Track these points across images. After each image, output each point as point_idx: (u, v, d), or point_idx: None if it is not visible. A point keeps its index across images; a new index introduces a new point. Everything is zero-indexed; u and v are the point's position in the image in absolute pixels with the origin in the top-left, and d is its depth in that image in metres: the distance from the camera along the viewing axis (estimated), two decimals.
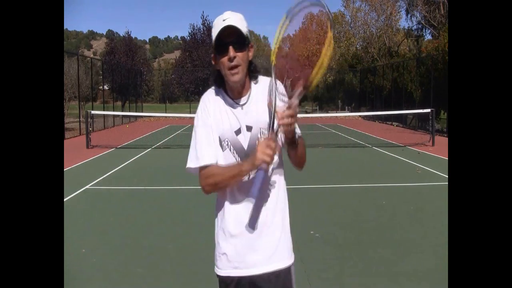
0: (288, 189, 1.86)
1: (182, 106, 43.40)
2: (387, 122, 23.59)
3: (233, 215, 1.74)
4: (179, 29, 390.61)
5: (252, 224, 1.67)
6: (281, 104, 1.62)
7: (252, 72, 1.75)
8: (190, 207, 6.35)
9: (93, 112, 15.78)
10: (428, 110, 14.08)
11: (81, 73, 20.30)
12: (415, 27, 32.55)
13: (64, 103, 21.89)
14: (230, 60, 1.64)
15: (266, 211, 1.73)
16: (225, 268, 1.77)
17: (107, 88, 28.23)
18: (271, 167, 1.68)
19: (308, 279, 3.65)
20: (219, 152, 1.73)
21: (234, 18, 1.66)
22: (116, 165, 9.78)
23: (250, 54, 1.72)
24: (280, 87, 1.70)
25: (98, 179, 8.26)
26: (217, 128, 1.73)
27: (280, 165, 1.79)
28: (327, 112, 31.93)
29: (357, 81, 31.63)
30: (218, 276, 1.81)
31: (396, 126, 21.96)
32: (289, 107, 1.57)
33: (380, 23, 34.44)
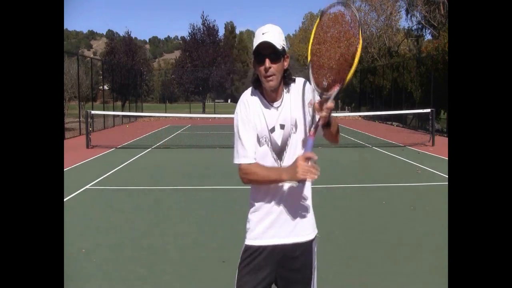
0: None
1: (182, 106, 43.42)
2: (387, 122, 23.59)
3: (265, 195, 2.02)
4: (179, 29, 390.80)
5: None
6: (317, 99, 1.89)
7: (286, 79, 1.99)
8: (190, 207, 6.35)
9: (93, 112, 15.77)
10: (428, 110, 14.08)
11: (81, 73, 20.30)
12: (415, 27, 32.55)
13: (64, 103, 21.91)
14: (266, 70, 1.90)
15: (286, 198, 2.02)
16: (254, 238, 2.06)
17: (107, 88, 28.23)
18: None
19: None
20: (257, 148, 1.98)
21: (271, 33, 1.91)
22: (116, 165, 9.78)
23: (286, 63, 1.96)
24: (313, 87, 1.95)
25: (98, 179, 8.26)
26: (256, 126, 1.99)
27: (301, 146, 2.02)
28: None
29: (357, 81, 31.60)
30: (246, 245, 2.08)
31: (396, 126, 21.96)
32: (327, 103, 1.83)
33: (380, 23, 34.42)
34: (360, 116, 27.80)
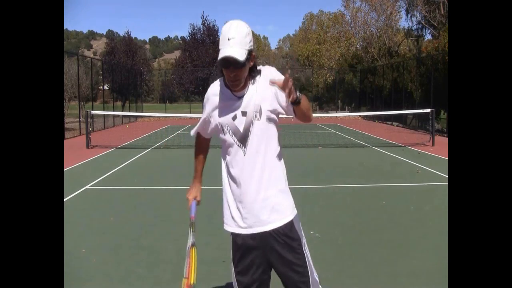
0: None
1: (182, 106, 43.36)
2: (387, 122, 23.58)
3: (232, 184, 2.18)
4: (179, 29, 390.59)
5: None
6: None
7: (252, 73, 2.05)
8: None
9: (93, 112, 15.77)
10: (428, 110, 14.08)
11: (81, 73, 20.30)
12: (415, 27, 32.53)
13: (64, 103, 21.89)
14: (230, 77, 1.98)
15: (258, 186, 2.08)
16: (231, 226, 2.16)
17: (107, 88, 28.21)
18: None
19: None
20: (221, 136, 2.14)
21: (237, 40, 1.92)
22: (116, 165, 9.77)
23: (251, 63, 2.01)
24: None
25: (98, 179, 8.26)
26: (218, 116, 2.11)
27: (267, 134, 2.09)
28: (327, 112, 31.91)
29: (357, 81, 31.60)
30: (230, 233, 2.19)
31: (396, 126, 21.95)
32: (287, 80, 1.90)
33: (380, 23, 34.42)
34: (360, 116, 27.79)
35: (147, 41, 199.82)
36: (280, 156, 2.15)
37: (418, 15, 30.81)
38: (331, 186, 7.71)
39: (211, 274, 3.93)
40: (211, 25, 40.14)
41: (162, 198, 6.95)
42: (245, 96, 2.06)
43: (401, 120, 22.50)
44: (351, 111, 30.48)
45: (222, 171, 2.26)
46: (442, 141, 13.87)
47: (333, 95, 35.84)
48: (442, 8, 26.82)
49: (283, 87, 1.88)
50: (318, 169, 9.40)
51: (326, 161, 10.54)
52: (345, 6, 38.25)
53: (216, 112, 2.12)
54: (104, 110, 22.11)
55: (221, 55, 1.93)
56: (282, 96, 1.99)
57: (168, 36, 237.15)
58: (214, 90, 2.15)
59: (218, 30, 40.76)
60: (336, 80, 35.25)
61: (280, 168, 2.14)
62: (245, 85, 2.06)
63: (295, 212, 2.17)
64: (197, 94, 40.33)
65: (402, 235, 5.00)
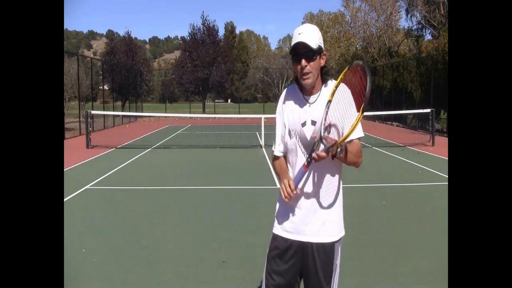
0: None
1: (182, 106, 43.40)
2: (387, 122, 23.59)
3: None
4: (179, 29, 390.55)
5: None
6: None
7: (324, 75, 2.09)
8: (190, 207, 6.35)
9: (93, 112, 15.77)
10: (428, 110, 14.08)
11: (81, 73, 20.29)
12: (415, 27, 32.55)
13: (64, 103, 21.89)
14: (302, 69, 2.00)
15: (315, 198, 2.14)
16: (281, 229, 2.17)
17: (107, 88, 28.21)
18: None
19: None
20: (287, 140, 2.13)
21: (307, 33, 1.98)
22: (116, 165, 9.78)
23: (322, 61, 2.05)
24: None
25: (98, 179, 8.26)
26: (288, 120, 2.12)
27: (331, 164, 2.13)
28: None
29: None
30: (273, 234, 2.20)
31: (396, 126, 21.96)
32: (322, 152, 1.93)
33: (380, 23, 34.42)
34: None
35: (147, 41, 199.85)
36: (340, 174, 2.25)
37: (418, 15, 30.83)
38: None
39: (211, 274, 3.93)
40: (211, 25, 40.13)
41: (162, 198, 6.95)
42: (315, 103, 2.07)
43: (401, 120, 22.50)
44: None
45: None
46: (442, 141, 13.87)
47: None
48: (442, 8, 26.82)
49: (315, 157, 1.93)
50: None
51: None
52: (345, 6, 38.28)
53: (287, 114, 2.13)
54: (104, 110, 22.09)
55: (293, 43, 1.97)
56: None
57: (168, 36, 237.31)
58: (288, 91, 2.16)
59: (218, 30, 40.79)
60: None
61: (338, 184, 2.25)
62: (317, 89, 2.08)
63: (342, 233, 2.27)
64: (197, 94, 40.33)
65: (402, 235, 5.00)
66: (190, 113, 30.97)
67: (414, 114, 19.97)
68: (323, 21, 43.51)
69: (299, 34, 1.98)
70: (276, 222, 2.21)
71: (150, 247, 4.63)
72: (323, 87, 2.08)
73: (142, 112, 27.42)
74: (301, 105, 2.09)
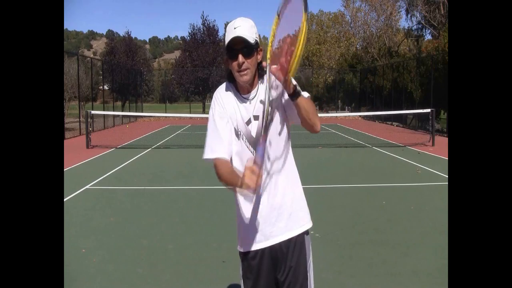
0: None
1: (182, 106, 43.39)
2: (387, 122, 23.58)
3: (245, 202, 1.96)
4: (179, 29, 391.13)
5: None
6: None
7: (260, 71, 1.96)
8: (190, 207, 6.35)
9: (93, 112, 15.77)
10: (428, 110, 14.08)
11: (81, 73, 20.29)
12: (415, 27, 32.55)
13: (64, 103, 21.90)
14: (239, 65, 1.87)
15: (274, 193, 1.97)
16: (246, 245, 2.01)
17: (107, 88, 28.21)
18: (255, 190, 1.76)
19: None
20: (234, 141, 1.96)
21: (244, 27, 1.86)
22: (116, 165, 9.78)
23: (259, 57, 1.93)
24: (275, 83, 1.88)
25: (98, 179, 8.26)
26: (232, 120, 1.96)
27: (282, 145, 2.00)
28: (327, 112, 31.90)
29: (357, 81, 31.61)
30: (240, 253, 2.05)
31: (396, 126, 21.95)
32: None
33: (380, 23, 34.43)
34: (360, 116, 27.78)
35: (147, 41, 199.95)
36: (292, 158, 2.07)
37: (418, 15, 30.83)
38: (331, 186, 7.72)
39: (211, 274, 3.93)
40: (211, 25, 40.14)
41: (162, 198, 6.95)
42: (255, 99, 1.95)
43: (401, 120, 22.50)
44: (351, 111, 30.47)
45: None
46: (442, 141, 13.87)
47: (333, 95, 35.84)
48: (442, 8, 26.82)
49: (277, 75, 1.75)
50: (318, 169, 9.39)
51: (326, 161, 10.54)
52: (345, 6, 38.28)
53: (230, 114, 1.97)
54: (104, 110, 22.10)
55: (228, 39, 1.85)
56: (285, 96, 1.87)
57: (168, 36, 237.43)
58: (225, 91, 2.01)
59: (218, 30, 40.78)
60: (336, 80, 35.24)
61: (293, 168, 2.06)
62: (253, 86, 1.96)
63: (310, 224, 2.08)
64: (197, 94, 40.33)
65: (402, 235, 5.00)
66: (190, 113, 30.96)
67: (414, 114, 19.97)
68: (323, 21, 43.50)
69: (234, 28, 1.85)
70: (241, 239, 2.04)
71: (150, 247, 4.63)
72: (259, 83, 1.97)
73: (142, 112, 27.43)
74: (241, 103, 1.96)
